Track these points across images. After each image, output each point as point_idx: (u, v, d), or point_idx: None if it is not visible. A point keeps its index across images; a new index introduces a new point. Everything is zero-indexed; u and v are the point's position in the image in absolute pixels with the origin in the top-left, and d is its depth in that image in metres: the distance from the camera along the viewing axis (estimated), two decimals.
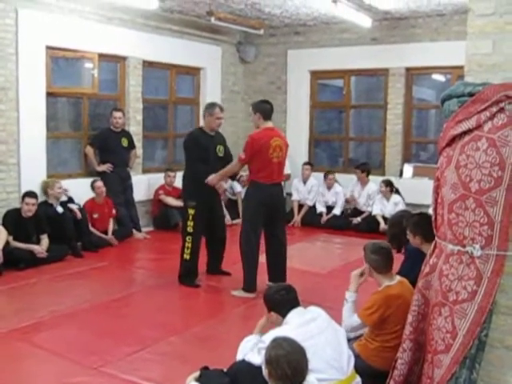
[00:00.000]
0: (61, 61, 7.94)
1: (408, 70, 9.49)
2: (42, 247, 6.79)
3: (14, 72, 7.09)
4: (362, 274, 3.95)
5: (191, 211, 6.07)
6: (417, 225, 3.97)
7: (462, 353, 2.78)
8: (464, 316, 2.77)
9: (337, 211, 9.55)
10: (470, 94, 2.80)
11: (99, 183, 7.93)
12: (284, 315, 3.49)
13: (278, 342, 2.85)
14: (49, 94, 7.62)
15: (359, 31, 9.44)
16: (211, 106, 6.23)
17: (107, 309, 5.39)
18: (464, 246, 2.79)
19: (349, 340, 3.68)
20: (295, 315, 3.45)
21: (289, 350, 2.77)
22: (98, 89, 8.30)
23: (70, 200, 7.63)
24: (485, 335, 2.76)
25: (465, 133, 2.80)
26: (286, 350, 2.77)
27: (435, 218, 3.03)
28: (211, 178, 6.00)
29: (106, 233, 7.91)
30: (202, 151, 6.07)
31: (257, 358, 3.18)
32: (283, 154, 5.89)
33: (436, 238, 3.04)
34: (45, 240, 6.89)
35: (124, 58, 8.67)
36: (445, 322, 2.86)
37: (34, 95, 7.33)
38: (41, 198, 7.17)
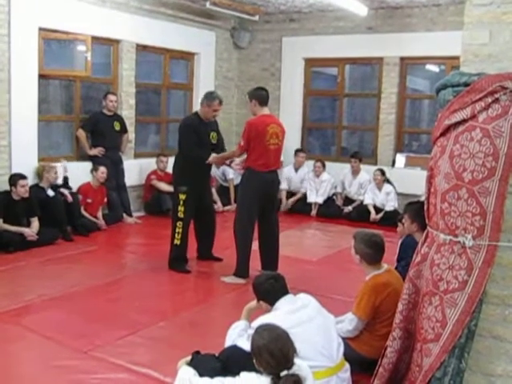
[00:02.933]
0: (53, 43, 7.85)
1: (402, 59, 9.48)
2: (32, 230, 6.76)
3: (5, 53, 7.01)
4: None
5: (182, 196, 6.06)
6: (418, 212, 3.96)
7: (452, 342, 2.79)
8: (454, 305, 2.78)
9: (319, 199, 9.55)
10: (466, 84, 2.79)
11: (103, 169, 7.89)
12: (272, 304, 3.49)
13: (258, 332, 2.84)
14: (41, 76, 7.55)
15: (354, 19, 9.41)
16: (212, 98, 6.12)
17: (97, 293, 5.37)
18: (456, 236, 2.80)
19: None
20: (285, 302, 3.46)
21: (269, 340, 2.76)
22: (91, 72, 8.23)
23: (66, 182, 7.58)
24: (474, 325, 2.77)
25: (459, 123, 2.79)
26: (266, 339, 2.76)
27: (427, 208, 3.03)
28: (212, 158, 6.02)
29: (96, 218, 7.89)
30: (197, 137, 6.05)
31: (247, 344, 3.19)
32: (280, 141, 5.88)
33: (428, 228, 3.04)
34: (35, 223, 6.86)
35: (117, 42, 8.60)
36: (435, 311, 2.87)
37: (26, 77, 7.26)
38: (32, 181, 7.14)
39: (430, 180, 2.99)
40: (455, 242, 2.80)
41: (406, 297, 3.11)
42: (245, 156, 5.94)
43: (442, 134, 2.88)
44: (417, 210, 4.04)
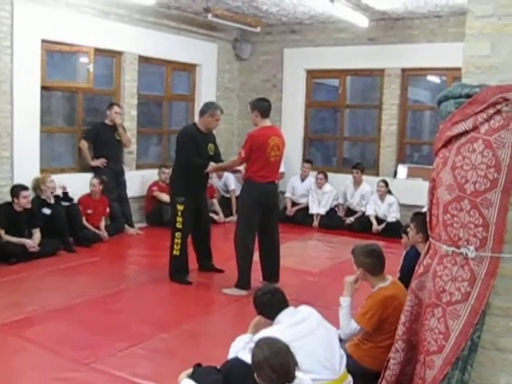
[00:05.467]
0: (56, 55, 7.90)
1: (404, 70, 9.50)
2: (34, 241, 6.75)
3: (8, 65, 7.04)
4: (356, 281, 3.88)
5: (180, 207, 6.06)
6: (424, 222, 3.94)
7: (455, 354, 2.78)
8: (457, 317, 2.77)
9: (321, 211, 9.55)
10: (467, 96, 2.80)
11: (94, 181, 7.86)
12: (272, 318, 3.49)
13: (259, 346, 2.84)
14: (43, 88, 7.57)
15: (356, 31, 9.44)
16: (214, 108, 6.18)
17: (99, 304, 5.36)
18: (458, 247, 2.79)
19: (341, 340, 3.68)
20: (286, 315, 3.45)
21: (269, 354, 2.75)
22: (93, 83, 8.26)
23: (66, 196, 7.57)
24: (477, 337, 2.76)
25: (461, 134, 2.80)
26: (267, 353, 2.75)
27: (430, 219, 3.03)
28: (211, 167, 6.07)
29: (98, 229, 7.88)
30: (195, 148, 6.06)
31: (248, 357, 3.17)
32: (280, 152, 5.89)
33: (430, 239, 3.04)
34: (37, 234, 6.86)
35: (120, 53, 8.64)
36: (438, 322, 2.86)
37: (29, 89, 7.28)
38: (32, 195, 7.15)
39: (432, 191, 2.99)
40: (458, 253, 2.80)
41: (408, 308, 3.10)
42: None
43: (444, 146, 2.88)
44: (423, 220, 4.03)
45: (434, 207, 2.96)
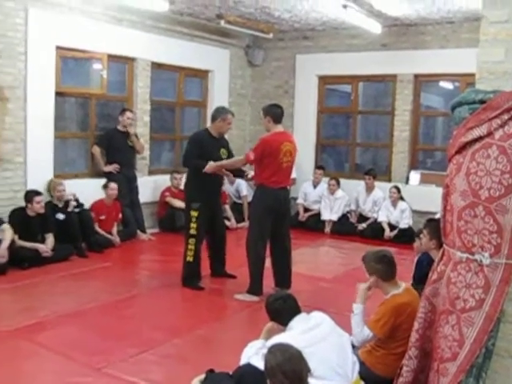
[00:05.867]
0: (70, 61, 7.95)
1: (416, 76, 9.47)
2: (47, 246, 6.79)
3: (22, 71, 7.09)
4: (369, 288, 3.85)
5: (194, 213, 6.06)
6: (437, 229, 3.92)
7: (469, 361, 2.75)
8: (471, 324, 2.75)
9: (334, 217, 9.53)
10: (481, 102, 2.79)
11: (113, 185, 7.91)
12: (284, 324, 3.48)
13: (271, 352, 2.82)
14: (57, 94, 7.62)
15: (368, 37, 9.43)
16: (225, 112, 6.24)
17: (111, 309, 5.38)
18: (473, 254, 2.77)
19: (353, 346, 3.66)
20: (299, 321, 3.44)
21: (282, 360, 2.73)
22: (107, 89, 8.30)
23: (77, 202, 7.58)
24: (492, 344, 2.74)
25: (475, 140, 2.78)
26: (280, 359, 2.73)
27: (444, 226, 3.01)
28: (209, 166, 5.95)
29: (110, 234, 7.91)
30: (205, 153, 6.06)
31: (261, 363, 3.16)
32: (292, 158, 5.89)
33: (444, 246, 3.02)
34: (50, 239, 6.89)
35: (133, 60, 8.68)
36: (452, 330, 2.84)
37: (43, 95, 7.33)
38: (46, 198, 7.20)
39: (445, 197, 2.97)
40: (472, 260, 2.78)
41: (422, 315, 3.08)
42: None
43: (458, 152, 2.86)
44: (436, 227, 4.00)
45: (447, 213, 2.95)
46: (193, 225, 6.08)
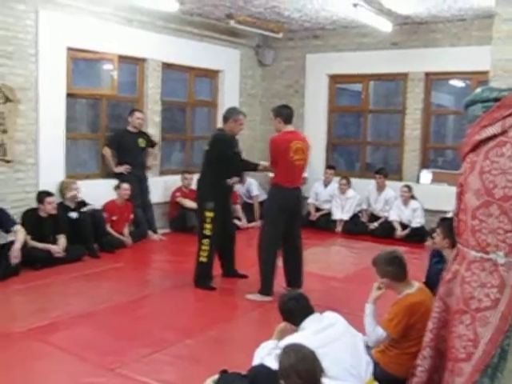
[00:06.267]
0: (81, 62, 7.97)
1: (427, 74, 9.43)
2: (59, 247, 6.81)
3: (33, 73, 7.12)
4: (379, 288, 3.82)
5: (209, 214, 6.05)
6: (451, 228, 3.90)
7: (484, 361, 2.73)
8: (486, 324, 2.73)
9: (345, 216, 9.51)
10: (495, 99, 2.76)
11: (126, 185, 7.94)
12: (297, 324, 3.47)
13: (285, 353, 2.82)
14: (68, 95, 7.64)
15: (378, 35, 9.40)
16: (236, 113, 6.26)
17: (123, 310, 5.39)
18: (487, 253, 2.75)
19: (367, 347, 3.65)
20: (311, 321, 3.43)
21: (296, 360, 2.73)
22: (117, 90, 8.32)
23: (83, 203, 7.59)
24: (507, 344, 2.72)
25: (489, 138, 2.76)
26: (293, 360, 2.73)
27: (457, 225, 2.99)
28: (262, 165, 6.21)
29: (122, 235, 7.92)
30: (232, 152, 6.08)
31: (274, 363, 3.16)
32: (305, 156, 5.88)
33: (458, 245, 3.00)
34: (62, 240, 6.91)
35: (143, 60, 8.70)
36: (466, 329, 2.82)
37: (54, 96, 7.35)
38: (58, 199, 7.23)
39: (459, 196, 2.95)
40: (486, 259, 2.76)
41: (436, 315, 3.06)
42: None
43: (472, 150, 2.84)
44: (450, 225, 3.98)
45: (461, 212, 2.92)
46: (207, 225, 6.07)
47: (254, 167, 6.31)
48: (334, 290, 6.28)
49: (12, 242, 6.33)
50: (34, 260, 6.54)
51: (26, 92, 7.07)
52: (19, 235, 6.41)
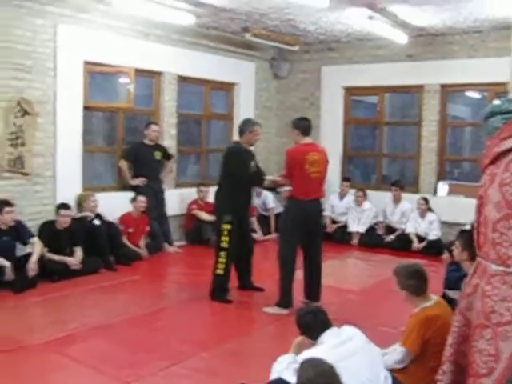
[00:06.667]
0: (97, 75, 8.04)
1: (443, 86, 9.40)
2: (75, 259, 6.84)
3: (51, 86, 7.19)
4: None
5: (227, 226, 6.04)
6: (470, 240, 3.86)
7: (505, 377, 2.68)
8: (507, 338, 2.68)
9: (361, 228, 9.47)
10: None
11: (142, 198, 7.98)
12: (314, 338, 3.44)
13: (304, 367, 2.79)
14: (85, 108, 7.70)
15: (394, 48, 9.39)
16: (251, 124, 6.28)
17: (140, 322, 5.38)
18: (508, 267, 2.71)
19: None
20: (329, 335, 3.40)
21: (314, 375, 2.70)
22: (134, 103, 8.38)
23: (98, 215, 7.62)
24: None
25: (509, 150, 2.73)
26: (311, 375, 2.70)
27: (477, 238, 2.95)
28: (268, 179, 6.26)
29: (138, 247, 7.94)
30: (245, 166, 6.07)
31: (292, 378, 3.13)
32: (322, 169, 5.86)
33: (478, 258, 2.96)
34: (79, 252, 6.94)
35: (159, 73, 8.75)
36: (487, 344, 2.77)
37: (71, 109, 7.43)
38: (76, 211, 7.28)
39: (479, 209, 2.91)
40: (507, 272, 2.72)
41: (456, 329, 3.02)
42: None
43: (492, 162, 2.81)
44: (469, 238, 3.94)
45: (481, 225, 2.89)
46: (225, 238, 6.06)
47: (260, 182, 6.30)
48: (350, 302, 6.25)
49: (29, 254, 6.38)
50: (51, 272, 6.57)
51: (44, 105, 7.14)
52: (36, 247, 6.46)
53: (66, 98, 7.34)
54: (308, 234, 5.81)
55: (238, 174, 6.08)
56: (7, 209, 6.34)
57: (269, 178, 6.29)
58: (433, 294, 3.83)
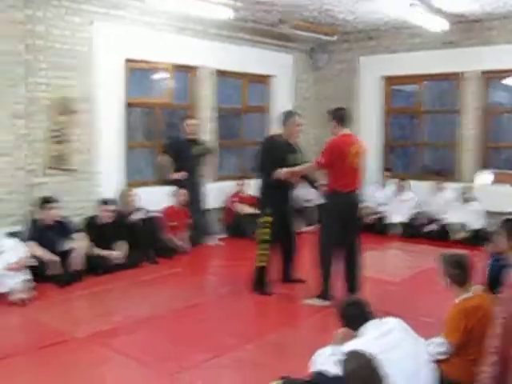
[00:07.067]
0: (137, 72, 8.13)
1: (484, 73, 9.23)
2: (119, 253, 6.96)
3: (93, 84, 7.31)
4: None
5: (268, 219, 6.06)
6: None
7: None
8: None
9: (402, 219, 9.38)
10: None
11: (183, 191, 8.06)
12: (355, 329, 3.44)
13: (347, 358, 2.81)
14: (127, 105, 7.80)
15: (432, 35, 9.24)
16: (291, 115, 6.27)
17: (182, 315, 5.45)
18: None
19: None
20: (371, 327, 3.40)
21: (358, 367, 2.72)
22: (172, 98, 8.44)
23: (141, 210, 7.72)
24: None
25: None
26: (355, 366, 2.73)
27: None
28: (279, 172, 5.96)
29: (180, 240, 8.02)
30: (281, 159, 6.07)
31: (334, 369, 3.14)
32: (362, 160, 5.83)
33: None
34: (123, 246, 7.06)
35: (197, 68, 8.80)
36: None
37: (113, 106, 7.56)
38: (119, 206, 7.41)
39: None
40: None
41: (502, 321, 2.98)
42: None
43: None
44: None
45: None
46: (266, 230, 6.08)
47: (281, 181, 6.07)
48: (391, 293, 6.21)
49: (73, 249, 6.51)
50: (96, 266, 6.70)
51: (87, 103, 7.25)
52: (82, 242, 6.60)
53: (108, 95, 7.46)
54: (347, 225, 5.79)
55: (270, 167, 6.05)
56: (52, 205, 6.49)
57: (281, 170, 5.98)
58: (475, 285, 3.79)
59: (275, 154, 6.09)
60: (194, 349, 4.58)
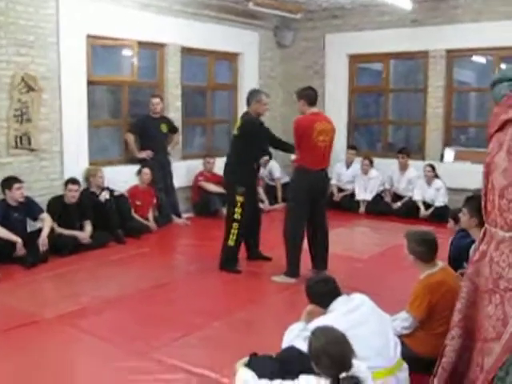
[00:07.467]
0: (100, 49, 8.00)
1: (449, 52, 9.30)
2: (85, 233, 6.90)
3: (55, 61, 7.16)
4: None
5: (240, 198, 6.05)
6: (477, 207, 3.87)
7: None
8: None
9: (368, 196, 9.49)
10: None
11: (146, 170, 8.01)
12: (324, 306, 3.48)
13: (316, 335, 2.84)
14: (90, 83, 7.68)
15: (398, 13, 9.28)
16: (257, 93, 6.25)
17: (150, 295, 5.44)
18: None
19: None
20: (339, 304, 3.45)
21: (327, 342, 2.76)
22: (138, 76, 8.34)
23: (107, 189, 7.63)
24: None
25: None
26: (324, 342, 2.76)
27: (485, 205, 2.98)
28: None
29: (146, 220, 7.99)
30: (264, 137, 6.08)
31: (303, 345, 3.18)
32: (329, 138, 5.85)
33: (486, 225, 2.99)
34: (88, 226, 7.00)
35: (162, 45, 8.70)
36: (495, 309, 2.81)
37: (76, 84, 7.40)
38: (83, 186, 7.32)
39: (487, 176, 2.93)
40: None
41: (464, 295, 3.06)
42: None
43: (499, 129, 2.82)
44: (476, 204, 3.96)
45: (489, 192, 2.91)
46: (237, 209, 6.08)
47: (291, 148, 6.17)
48: (358, 270, 6.29)
49: (40, 230, 6.44)
50: (61, 247, 6.63)
51: (49, 81, 7.12)
52: (46, 223, 6.52)
53: (70, 72, 7.31)
54: (314, 203, 5.83)
55: (262, 144, 6.08)
56: (17, 185, 6.38)
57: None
58: (439, 261, 3.87)
59: (262, 136, 6.10)
60: (162, 328, 4.59)
